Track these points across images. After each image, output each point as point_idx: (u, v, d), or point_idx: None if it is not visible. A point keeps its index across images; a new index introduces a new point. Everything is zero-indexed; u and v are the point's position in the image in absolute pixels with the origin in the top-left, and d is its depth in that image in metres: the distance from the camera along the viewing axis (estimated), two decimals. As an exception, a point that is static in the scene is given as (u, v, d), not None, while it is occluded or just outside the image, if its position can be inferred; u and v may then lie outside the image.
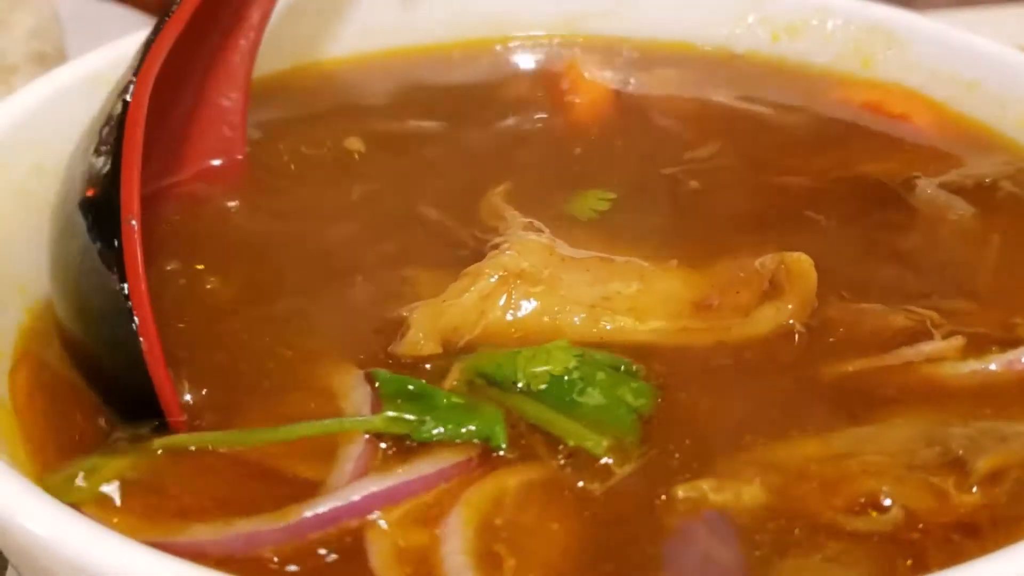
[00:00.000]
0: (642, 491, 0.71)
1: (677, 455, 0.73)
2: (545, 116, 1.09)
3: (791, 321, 0.81)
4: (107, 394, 0.77)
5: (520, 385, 0.75)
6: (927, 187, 0.95)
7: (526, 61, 1.17)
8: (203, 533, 0.68)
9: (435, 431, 0.72)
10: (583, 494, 0.70)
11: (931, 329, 0.81)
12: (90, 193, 0.78)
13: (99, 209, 0.77)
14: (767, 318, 0.81)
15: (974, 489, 0.70)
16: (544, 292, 0.81)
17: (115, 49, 0.97)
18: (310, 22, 1.14)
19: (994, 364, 0.79)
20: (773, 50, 1.16)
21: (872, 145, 1.05)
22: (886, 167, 0.99)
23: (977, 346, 0.80)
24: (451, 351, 0.79)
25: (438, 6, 1.18)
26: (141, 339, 0.73)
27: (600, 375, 0.75)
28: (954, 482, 0.70)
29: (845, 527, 0.68)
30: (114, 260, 0.74)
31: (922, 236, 0.92)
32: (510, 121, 1.08)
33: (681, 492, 0.70)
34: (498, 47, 1.18)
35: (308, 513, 0.68)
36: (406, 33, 1.17)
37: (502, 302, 0.80)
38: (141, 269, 0.74)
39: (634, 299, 0.82)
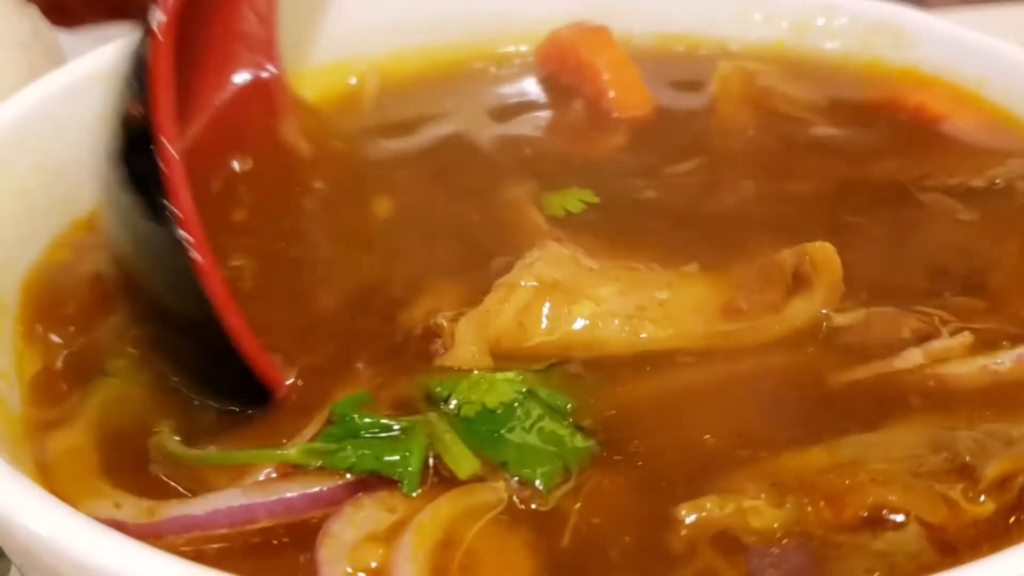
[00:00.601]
0: (634, 506, 0.70)
1: (674, 469, 0.72)
2: (554, 114, 1.09)
3: (824, 311, 0.81)
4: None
5: (452, 408, 0.74)
6: (936, 188, 0.95)
7: (533, 58, 1.16)
8: (92, 506, 0.70)
9: (350, 462, 0.71)
10: (543, 518, 0.70)
11: (939, 327, 0.81)
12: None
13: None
14: (800, 311, 0.81)
15: (982, 498, 0.69)
16: (582, 304, 0.81)
17: (115, 49, 0.97)
18: (311, 23, 1.13)
19: (1004, 359, 0.78)
20: (778, 48, 1.15)
21: (884, 146, 1.04)
22: (897, 168, 0.99)
23: (987, 342, 0.80)
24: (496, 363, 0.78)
25: (444, 6, 1.17)
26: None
27: (537, 414, 0.74)
28: (962, 490, 0.69)
29: (855, 543, 0.67)
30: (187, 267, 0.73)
31: (932, 237, 0.91)
32: (521, 122, 1.07)
33: (684, 511, 0.68)
34: (505, 45, 1.17)
35: (164, 516, 0.70)
36: (412, 34, 1.16)
37: (545, 312, 0.80)
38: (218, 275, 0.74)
39: (666, 307, 0.82)
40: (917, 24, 1.11)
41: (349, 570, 0.66)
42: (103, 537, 0.60)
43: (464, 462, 0.71)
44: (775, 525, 0.68)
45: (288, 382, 0.77)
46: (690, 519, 0.68)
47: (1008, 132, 1.03)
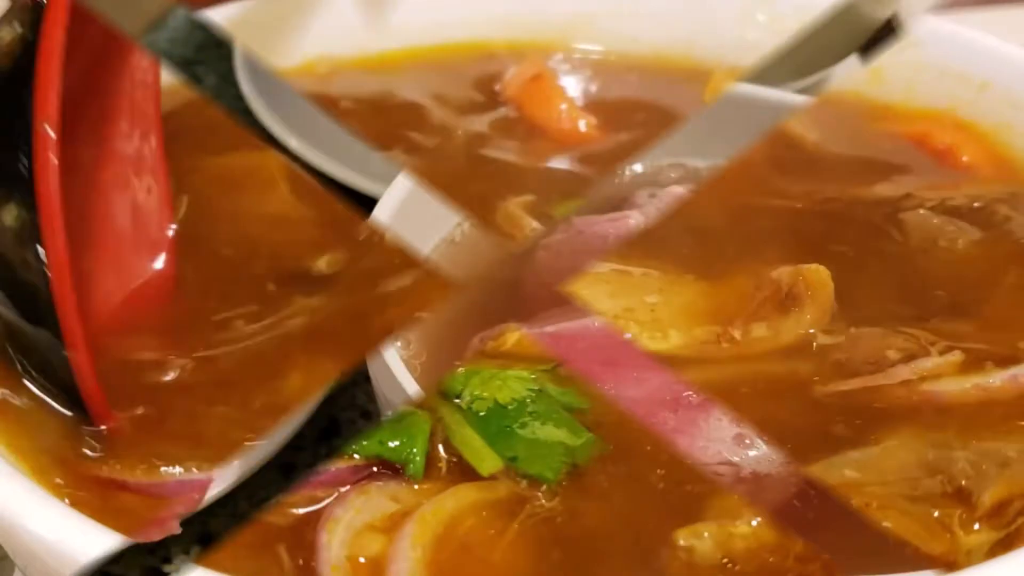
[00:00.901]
0: (627, 525, 0.70)
1: (671, 477, 0.72)
2: (539, 125, 1.08)
3: (812, 330, 0.82)
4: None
5: (464, 402, 0.74)
6: (918, 211, 0.94)
7: (516, 66, 1.14)
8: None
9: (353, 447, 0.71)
10: (546, 516, 0.69)
11: (927, 347, 0.81)
12: None
13: None
14: (789, 329, 0.82)
15: (976, 526, 0.68)
16: None
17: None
18: (295, 22, 1.13)
19: (996, 379, 0.78)
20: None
21: (878, 169, 1.03)
22: (887, 191, 0.98)
23: (975, 362, 0.79)
24: (480, 359, 0.78)
25: (419, 9, 1.16)
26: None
27: (549, 412, 0.74)
28: (959, 517, 0.68)
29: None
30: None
31: (915, 261, 0.91)
32: (504, 128, 1.07)
33: (681, 540, 0.67)
34: (488, 51, 1.16)
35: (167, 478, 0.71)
36: (389, 38, 1.15)
37: None
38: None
39: (655, 311, 0.82)
40: (919, 24, 1.10)
41: (348, 555, 0.66)
42: (109, 540, 0.60)
43: (487, 459, 0.71)
44: (771, 560, 0.67)
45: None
46: (687, 545, 0.67)
47: (1002, 164, 1.04)
